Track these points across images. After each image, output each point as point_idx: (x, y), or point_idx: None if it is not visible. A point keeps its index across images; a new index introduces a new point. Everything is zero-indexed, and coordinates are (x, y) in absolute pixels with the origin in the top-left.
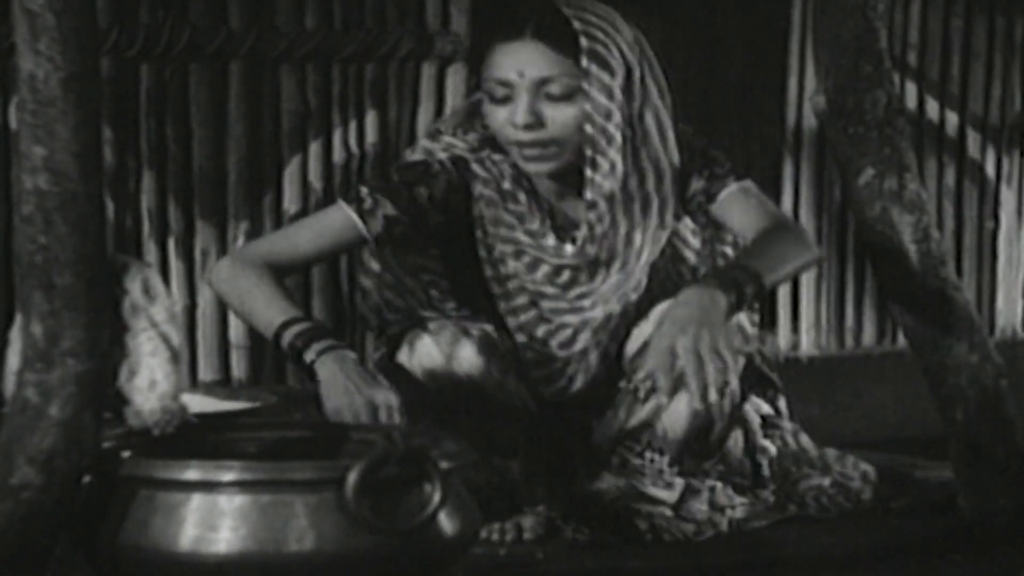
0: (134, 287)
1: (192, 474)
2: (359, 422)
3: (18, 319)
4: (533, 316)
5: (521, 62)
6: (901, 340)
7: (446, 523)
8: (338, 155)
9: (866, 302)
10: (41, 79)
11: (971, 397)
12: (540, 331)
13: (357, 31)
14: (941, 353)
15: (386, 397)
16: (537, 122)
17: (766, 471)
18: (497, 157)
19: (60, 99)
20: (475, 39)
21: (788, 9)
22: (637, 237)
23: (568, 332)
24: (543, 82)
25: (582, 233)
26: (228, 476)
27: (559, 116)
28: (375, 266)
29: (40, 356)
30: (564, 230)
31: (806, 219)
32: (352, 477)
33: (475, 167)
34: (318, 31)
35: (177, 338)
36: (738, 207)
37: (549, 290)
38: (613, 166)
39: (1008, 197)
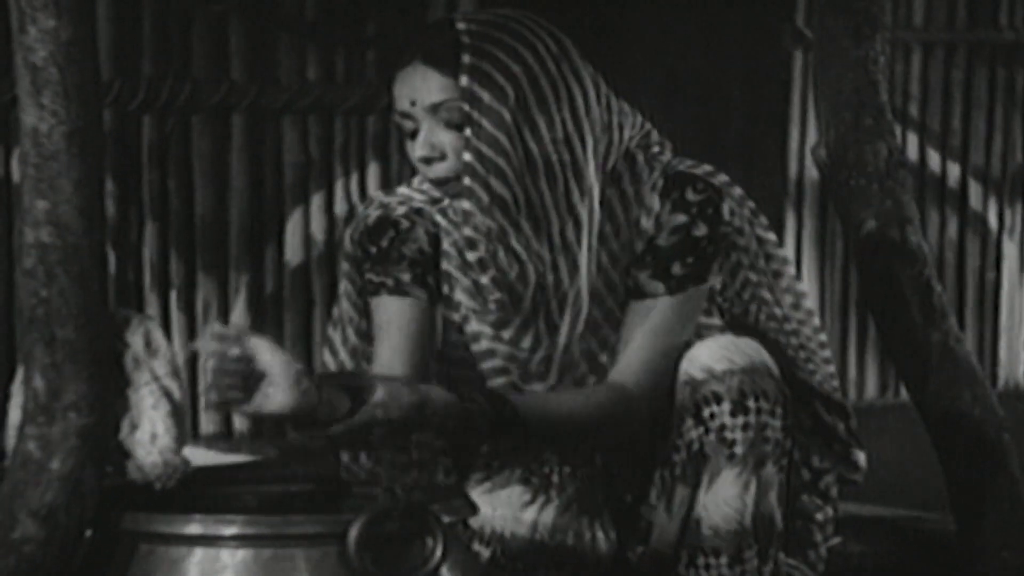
0: (136, 340)
1: (194, 528)
2: None
3: (20, 373)
4: (505, 383)
5: (412, 90)
6: (903, 392)
7: None
8: (340, 207)
9: (868, 354)
10: (44, 133)
11: (974, 450)
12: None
13: (359, 83)
14: (943, 406)
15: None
16: (438, 154)
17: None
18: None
19: (63, 152)
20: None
21: (789, 62)
22: (583, 298)
23: None
24: (435, 108)
25: (486, 277)
26: (230, 530)
27: (460, 145)
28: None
29: (42, 410)
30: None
31: (808, 270)
32: (354, 531)
33: (438, 218)
34: (320, 83)
35: (179, 391)
36: (644, 326)
37: (519, 353)
38: (503, 203)
39: (1010, 249)
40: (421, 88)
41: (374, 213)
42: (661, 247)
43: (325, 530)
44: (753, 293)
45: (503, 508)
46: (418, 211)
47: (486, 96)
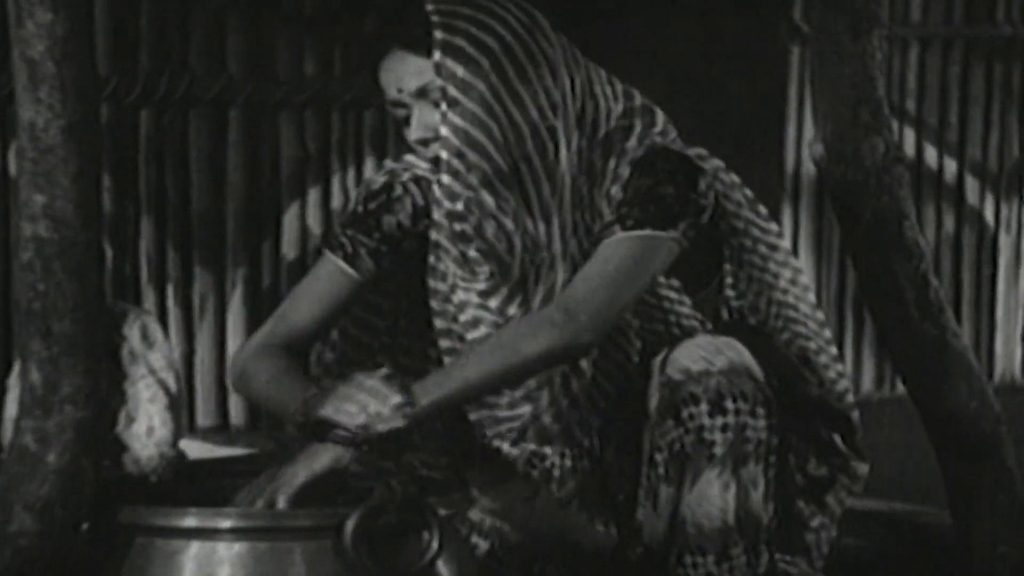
0: (132, 334)
1: (190, 521)
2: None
3: (16, 366)
4: None
5: (397, 77)
6: (900, 386)
7: (444, 570)
8: (337, 201)
9: (865, 348)
10: (41, 127)
11: (970, 444)
12: None
13: (356, 78)
14: (939, 399)
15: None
16: (432, 135)
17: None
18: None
19: (60, 147)
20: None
21: (786, 57)
22: (557, 265)
23: None
24: (421, 92)
25: (473, 249)
26: (226, 523)
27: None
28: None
29: (38, 403)
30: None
31: (805, 265)
32: (350, 524)
33: (435, 187)
34: (317, 78)
35: (175, 385)
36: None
37: (504, 321)
38: (482, 174)
39: (1006, 243)
40: (403, 74)
41: (380, 179)
42: (624, 200)
43: (321, 523)
44: (761, 281)
45: (502, 501)
46: (418, 179)
47: (460, 71)
